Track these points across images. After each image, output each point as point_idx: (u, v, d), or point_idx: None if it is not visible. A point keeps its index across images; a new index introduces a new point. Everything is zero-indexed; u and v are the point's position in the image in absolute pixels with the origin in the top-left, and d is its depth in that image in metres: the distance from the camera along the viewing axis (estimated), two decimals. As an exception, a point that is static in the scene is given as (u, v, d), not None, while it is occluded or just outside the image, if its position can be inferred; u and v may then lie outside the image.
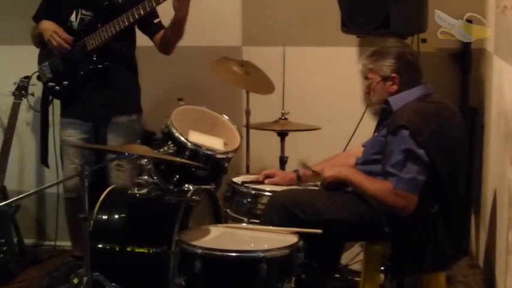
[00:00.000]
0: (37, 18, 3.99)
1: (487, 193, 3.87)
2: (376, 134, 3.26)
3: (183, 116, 3.71)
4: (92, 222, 3.09)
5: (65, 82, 3.91)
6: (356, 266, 4.02)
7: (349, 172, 3.17)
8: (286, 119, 4.05)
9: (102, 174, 3.92)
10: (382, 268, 3.27)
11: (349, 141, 4.06)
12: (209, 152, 3.57)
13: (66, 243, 4.37)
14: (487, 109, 4.00)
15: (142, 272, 3.21)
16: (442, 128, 3.01)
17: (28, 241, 4.65)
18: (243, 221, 3.42)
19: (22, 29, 4.15)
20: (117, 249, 3.27)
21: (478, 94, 4.17)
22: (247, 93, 4.15)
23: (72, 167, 4.01)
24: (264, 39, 4.47)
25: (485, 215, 3.85)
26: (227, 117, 3.89)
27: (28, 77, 4.36)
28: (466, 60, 4.16)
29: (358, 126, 4.10)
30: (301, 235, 2.95)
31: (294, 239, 2.92)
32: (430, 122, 2.99)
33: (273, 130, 4.06)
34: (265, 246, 2.87)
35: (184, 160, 3.46)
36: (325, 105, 4.42)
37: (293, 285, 2.84)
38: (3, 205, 3.91)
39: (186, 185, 3.46)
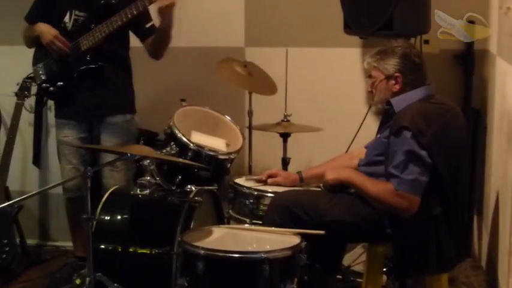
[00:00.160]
0: (30, 18, 3.98)
1: (490, 194, 3.87)
2: (378, 136, 3.26)
3: (186, 116, 3.71)
4: (94, 222, 3.09)
5: (59, 83, 3.90)
6: (358, 267, 4.03)
7: (351, 174, 3.17)
8: (288, 120, 4.05)
9: (96, 174, 3.91)
10: (385, 269, 3.27)
11: (352, 142, 4.06)
12: (212, 153, 3.57)
13: (69, 244, 4.37)
14: (490, 110, 3.99)
15: (144, 272, 3.21)
16: (445, 129, 3.01)
17: (31, 241, 4.65)
18: (245, 222, 3.42)
19: (23, 29, 4.14)
20: (120, 249, 3.27)
21: (480, 95, 4.16)
22: (250, 94, 4.15)
23: (69, 167, 4.02)
24: (266, 40, 4.47)
25: (488, 216, 3.85)
26: (230, 118, 3.89)
27: (31, 78, 4.37)
28: (469, 62, 4.15)
29: (360, 127, 4.09)
30: (303, 236, 2.95)
31: (296, 240, 2.92)
32: (433, 123, 2.98)
33: (276, 132, 4.06)
34: (268, 247, 2.87)
35: (186, 161, 3.47)
36: (327, 106, 4.41)
37: (295, 286, 2.84)
38: (6, 206, 3.92)
39: (189, 186, 3.46)
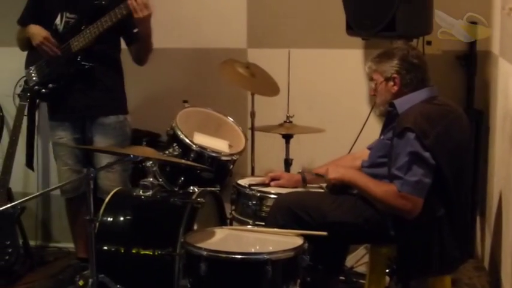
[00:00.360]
0: (22, 22, 3.99)
1: (493, 195, 3.86)
2: (382, 137, 3.26)
3: (188, 118, 3.72)
4: (97, 224, 3.10)
5: (51, 85, 3.91)
6: (361, 268, 4.03)
7: (354, 174, 3.16)
8: (291, 122, 4.05)
9: None
10: (388, 270, 3.27)
11: (354, 143, 4.06)
12: (214, 154, 3.57)
13: (71, 245, 4.37)
14: (493, 111, 3.99)
15: (147, 274, 3.21)
16: (448, 130, 3.01)
17: (33, 243, 4.65)
18: (248, 223, 3.42)
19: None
20: (123, 251, 3.27)
21: (483, 96, 4.16)
22: (253, 95, 4.15)
23: (65, 168, 4.03)
24: (269, 42, 4.47)
25: (491, 217, 3.85)
26: (232, 120, 3.89)
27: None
28: (472, 63, 4.15)
29: (363, 128, 4.09)
30: (306, 237, 2.95)
31: (299, 241, 2.92)
32: (436, 125, 2.98)
33: (278, 133, 4.07)
34: (271, 249, 2.87)
35: (189, 162, 3.47)
36: (330, 107, 4.41)
37: (298, 288, 2.85)
38: (8, 207, 3.92)
39: (191, 187, 3.47)
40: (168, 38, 4.54)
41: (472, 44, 4.08)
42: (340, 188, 3.20)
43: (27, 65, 4.00)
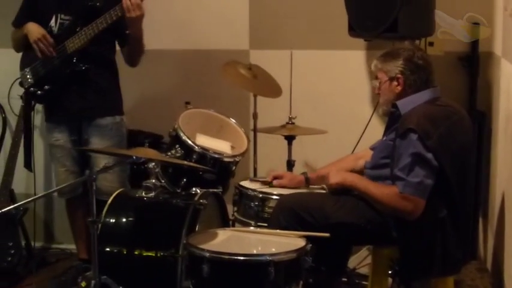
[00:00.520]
0: (17, 23, 4.00)
1: (495, 196, 3.86)
2: (384, 138, 3.26)
3: (191, 119, 3.72)
4: (99, 225, 3.10)
5: (46, 86, 3.91)
6: (364, 270, 4.02)
7: (354, 179, 3.17)
8: (293, 123, 4.05)
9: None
10: (390, 272, 3.26)
11: (357, 144, 4.06)
12: (216, 156, 3.57)
13: (74, 246, 4.37)
14: (495, 112, 3.99)
15: (150, 275, 3.21)
16: (451, 131, 3.01)
17: (36, 244, 4.65)
18: (250, 225, 3.42)
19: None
20: (125, 252, 3.27)
21: (486, 97, 4.16)
22: (255, 96, 4.15)
23: (63, 169, 4.04)
24: (271, 43, 4.47)
25: (493, 219, 3.84)
26: (234, 121, 3.89)
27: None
28: (474, 64, 4.15)
29: (365, 129, 4.09)
30: (308, 239, 2.95)
31: (301, 242, 2.92)
32: (439, 126, 2.98)
33: (281, 134, 4.07)
34: (273, 250, 2.87)
35: (191, 163, 3.47)
36: (332, 108, 4.41)
37: (301, 289, 2.85)
38: (11, 208, 3.92)
39: (194, 189, 3.46)
40: (170, 39, 4.55)
41: (475, 45, 4.08)
42: (342, 189, 3.20)
43: (22, 66, 4.01)
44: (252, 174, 4.22)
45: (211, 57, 4.48)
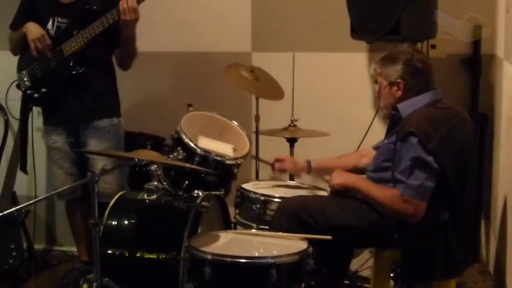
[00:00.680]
0: (14, 26, 4.00)
1: (497, 199, 3.86)
2: (386, 141, 3.25)
3: (193, 121, 3.72)
4: (101, 228, 3.10)
5: (43, 89, 3.91)
6: (366, 272, 4.02)
7: (357, 180, 3.17)
8: (295, 125, 4.05)
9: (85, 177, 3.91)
10: (392, 274, 3.26)
11: (359, 147, 4.05)
12: (218, 158, 3.57)
13: (76, 249, 4.37)
14: (497, 115, 3.98)
15: (152, 277, 3.21)
16: (452, 134, 3.00)
17: (38, 246, 4.66)
18: (252, 227, 3.42)
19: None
20: (127, 255, 3.27)
21: (488, 100, 4.15)
22: (257, 99, 4.16)
23: (61, 172, 4.05)
24: (273, 45, 4.47)
25: (496, 221, 3.84)
26: (236, 123, 3.89)
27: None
28: (476, 66, 4.15)
29: (367, 132, 4.09)
30: (310, 241, 2.95)
31: (303, 245, 2.92)
32: (440, 128, 2.98)
33: (283, 137, 4.07)
34: (275, 253, 2.87)
35: (193, 166, 3.47)
36: (334, 111, 4.41)
37: (302, 292, 2.84)
38: (13, 211, 3.92)
39: (196, 191, 3.46)
40: (172, 41, 4.55)
41: (477, 47, 4.08)
42: (344, 191, 3.20)
43: (20, 69, 4.01)
44: (254, 177, 4.23)
45: (214, 59, 4.48)
